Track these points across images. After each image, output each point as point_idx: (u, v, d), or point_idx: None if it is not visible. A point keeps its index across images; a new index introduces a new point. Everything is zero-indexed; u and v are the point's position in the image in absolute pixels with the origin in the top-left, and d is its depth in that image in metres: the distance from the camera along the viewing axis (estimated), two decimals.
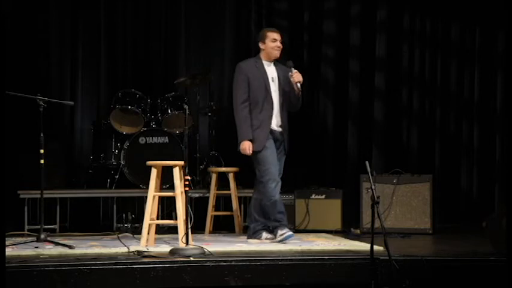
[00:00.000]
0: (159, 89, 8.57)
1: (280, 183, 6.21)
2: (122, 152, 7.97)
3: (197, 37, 9.11)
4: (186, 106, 6.20)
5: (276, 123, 6.28)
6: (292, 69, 6.22)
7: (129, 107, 8.12)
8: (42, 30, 8.62)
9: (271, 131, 6.24)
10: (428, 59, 8.62)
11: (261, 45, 6.35)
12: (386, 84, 8.69)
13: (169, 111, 8.20)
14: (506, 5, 7.70)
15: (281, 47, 6.33)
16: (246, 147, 6.15)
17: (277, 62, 6.40)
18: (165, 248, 5.54)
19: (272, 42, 6.30)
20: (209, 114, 8.52)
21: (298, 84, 6.20)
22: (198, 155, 8.32)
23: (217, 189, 7.49)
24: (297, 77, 6.19)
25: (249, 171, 7.81)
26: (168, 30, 9.07)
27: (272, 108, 6.24)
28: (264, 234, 6.32)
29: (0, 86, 5.23)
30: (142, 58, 8.93)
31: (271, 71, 6.33)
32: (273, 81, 6.29)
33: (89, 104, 8.88)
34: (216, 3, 9.16)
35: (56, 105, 6.93)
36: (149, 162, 6.00)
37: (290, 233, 6.10)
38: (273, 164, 6.16)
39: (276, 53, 6.32)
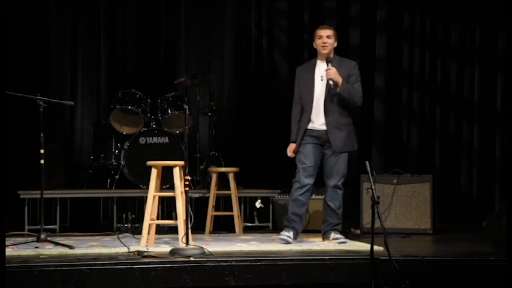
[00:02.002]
0: (159, 89, 8.54)
1: (306, 188, 6.16)
2: (122, 152, 7.96)
3: (197, 37, 9.11)
4: (186, 106, 6.21)
5: (320, 122, 6.13)
6: (329, 65, 6.03)
7: (129, 107, 8.12)
8: (42, 30, 8.61)
9: (313, 131, 6.15)
10: (428, 59, 8.61)
11: (314, 45, 6.24)
12: (386, 84, 8.68)
13: (169, 111, 8.20)
14: (506, 5, 7.70)
15: (327, 42, 6.09)
16: (288, 149, 6.27)
17: (339, 57, 6.20)
18: (165, 248, 5.54)
19: (318, 39, 6.15)
20: (209, 114, 8.51)
21: (330, 82, 6.01)
22: (198, 155, 8.31)
23: (217, 189, 7.48)
24: (328, 73, 6.02)
25: (249, 171, 7.86)
26: (168, 30, 9.07)
27: (311, 109, 6.14)
28: (333, 234, 6.22)
29: (0, 86, 5.24)
30: (142, 58, 8.93)
31: (322, 69, 6.14)
32: (321, 80, 6.12)
33: (89, 104, 8.88)
34: (216, 3, 9.16)
35: (56, 105, 6.93)
36: (149, 162, 6.00)
37: (289, 239, 6.04)
38: (303, 168, 6.15)
39: (323, 51, 6.12)
